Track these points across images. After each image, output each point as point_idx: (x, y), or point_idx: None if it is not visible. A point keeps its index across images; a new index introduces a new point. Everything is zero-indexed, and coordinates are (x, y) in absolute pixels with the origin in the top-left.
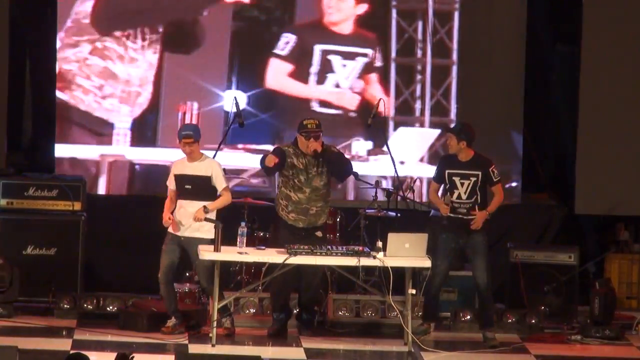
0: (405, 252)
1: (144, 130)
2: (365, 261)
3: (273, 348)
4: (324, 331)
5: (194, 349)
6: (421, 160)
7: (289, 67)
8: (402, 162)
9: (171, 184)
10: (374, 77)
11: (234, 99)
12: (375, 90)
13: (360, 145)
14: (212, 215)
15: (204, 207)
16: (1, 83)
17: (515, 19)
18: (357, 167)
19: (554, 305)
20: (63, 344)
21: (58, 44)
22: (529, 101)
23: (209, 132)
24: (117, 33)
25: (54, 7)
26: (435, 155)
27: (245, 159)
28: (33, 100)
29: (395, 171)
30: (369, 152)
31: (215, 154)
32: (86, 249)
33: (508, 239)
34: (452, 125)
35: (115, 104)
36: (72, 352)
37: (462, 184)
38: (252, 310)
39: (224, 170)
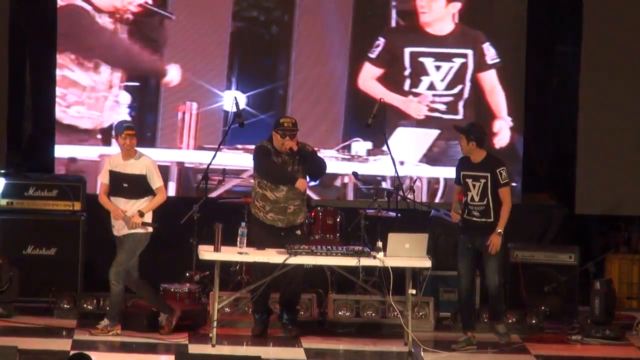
0: (405, 252)
1: (144, 131)
2: (365, 261)
3: (273, 348)
4: (324, 331)
5: (194, 349)
6: (421, 160)
7: (378, 71)
8: (402, 162)
9: (105, 178)
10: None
11: (234, 99)
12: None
13: (360, 146)
14: (148, 218)
15: (139, 212)
16: (1, 83)
17: (515, 19)
18: (357, 167)
19: (554, 305)
20: (63, 344)
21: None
22: (529, 101)
23: (209, 132)
24: None
25: (54, 7)
26: (435, 155)
27: (245, 159)
28: (33, 101)
29: (396, 171)
30: (369, 152)
31: (215, 154)
32: (86, 249)
33: (508, 239)
34: (461, 127)
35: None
36: (74, 352)
37: (474, 186)
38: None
39: (159, 167)
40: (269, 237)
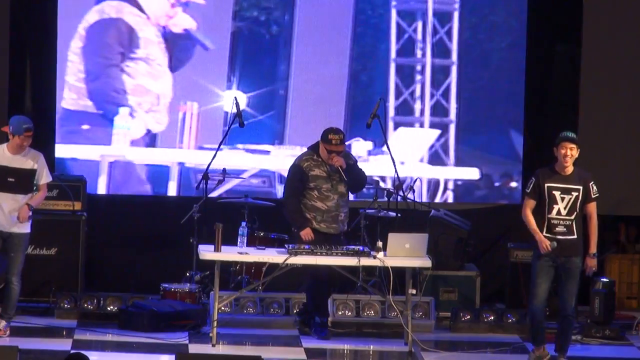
0: (405, 252)
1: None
2: (366, 261)
3: (273, 348)
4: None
5: (194, 349)
6: (421, 160)
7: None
8: (402, 162)
9: None
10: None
11: (234, 99)
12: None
13: (360, 145)
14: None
15: (28, 205)
16: (1, 83)
17: (515, 19)
18: None
19: (554, 305)
20: (63, 344)
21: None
22: (529, 101)
23: (209, 132)
24: None
25: (55, 7)
26: (436, 155)
27: (245, 159)
28: (33, 101)
29: (396, 171)
30: (369, 153)
31: (215, 154)
32: (86, 249)
33: (508, 239)
34: (568, 134)
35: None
36: (72, 352)
37: (562, 199)
38: (252, 310)
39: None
40: (325, 242)
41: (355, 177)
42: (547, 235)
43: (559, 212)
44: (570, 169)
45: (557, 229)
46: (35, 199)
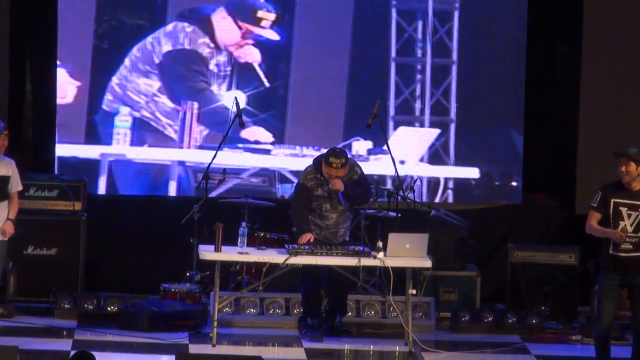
0: (405, 252)
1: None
2: (366, 261)
3: (273, 348)
4: (325, 331)
5: (194, 349)
6: (421, 160)
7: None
8: (402, 162)
9: None
10: None
11: (234, 99)
12: None
13: (360, 145)
14: None
15: (12, 220)
16: (2, 83)
17: (516, 19)
18: None
19: (554, 306)
20: (63, 344)
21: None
22: (529, 101)
23: (209, 131)
24: None
25: (55, 7)
26: (436, 154)
27: (245, 159)
28: (34, 100)
29: (396, 171)
30: (369, 152)
31: (216, 154)
32: (86, 249)
33: (508, 239)
34: (629, 150)
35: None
36: (77, 351)
37: (629, 216)
38: (252, 310)
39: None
40: None
41: (354, 199)
42: (614, 253)
43: (624, 229)
44: (637, 185)
45: (622, 246)
46: (13, 211)
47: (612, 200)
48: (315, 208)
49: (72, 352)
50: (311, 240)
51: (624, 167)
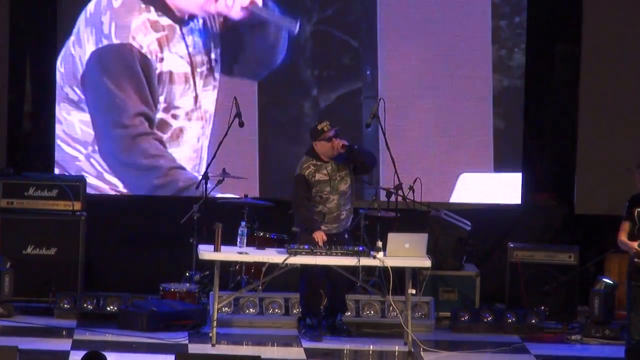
0: (405, 252)
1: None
2: (365, 261)
3: (273, 348)
4: (325, 329)
5: (194, 349)
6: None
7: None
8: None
9: None
10: None
11: (234, 99)
12: None
13: None
14: None
15: None
16: (1, 82)
17: (515, 18)
18: None
19: (554, 305)
20: (63, 344)
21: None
22: (528, 100)
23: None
24: None
25: (55, 7)
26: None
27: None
28: (33, 100)
29: (396, 171)
30: None
31: (215, 154)
32: (86, 249)
33: (508, 239)
34: None
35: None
36: (89, 350)
37: None
38: (251, 310)
39: None
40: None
41: (359, 155)
42: (637, 260)
43: None
44: None
45: None
46: None
47: (636, 210)
48: (315, 195)
49: (82, 353)
50: (325, 239)
51: (638, 176)
